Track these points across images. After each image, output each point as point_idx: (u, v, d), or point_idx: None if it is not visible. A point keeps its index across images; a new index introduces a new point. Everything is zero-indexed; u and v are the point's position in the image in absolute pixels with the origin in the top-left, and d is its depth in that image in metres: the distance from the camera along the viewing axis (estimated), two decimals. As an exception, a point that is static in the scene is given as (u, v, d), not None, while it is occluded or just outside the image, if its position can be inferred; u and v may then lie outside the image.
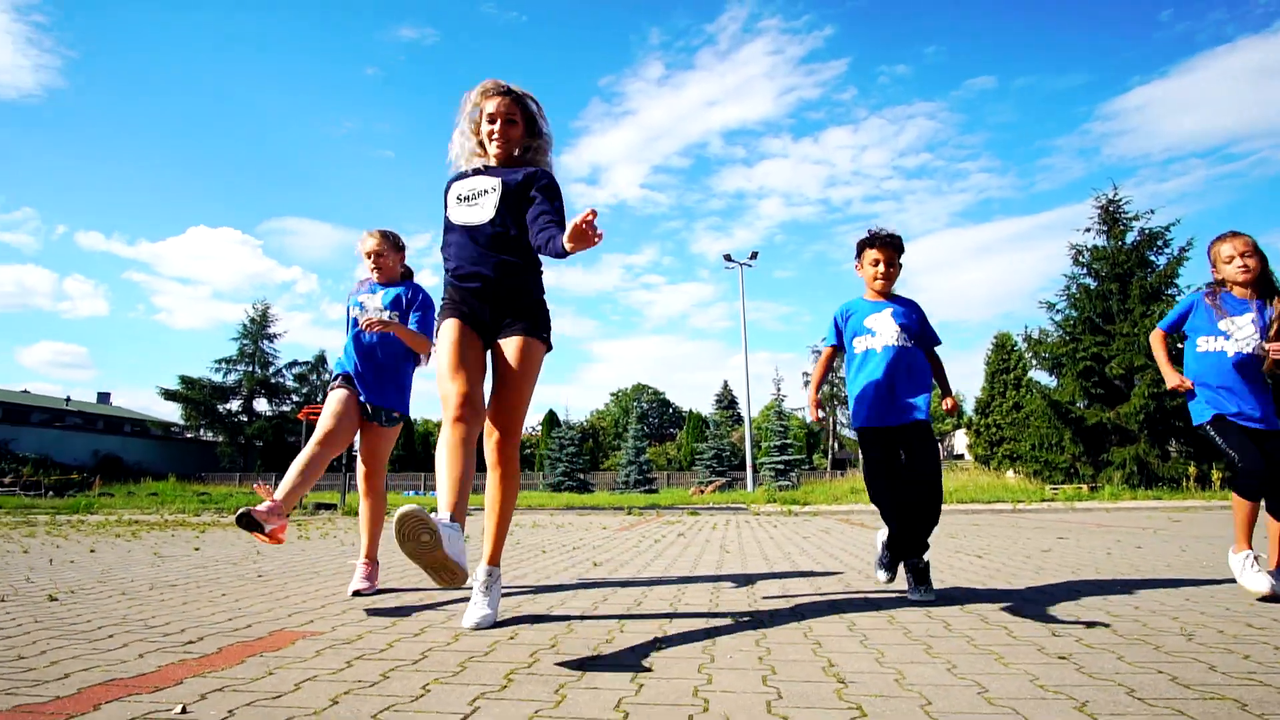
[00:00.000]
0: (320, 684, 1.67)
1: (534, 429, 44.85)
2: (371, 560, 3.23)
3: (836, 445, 43.37)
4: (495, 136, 2.48)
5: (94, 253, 78.72)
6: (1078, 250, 20.53)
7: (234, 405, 41.42)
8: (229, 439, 40.73)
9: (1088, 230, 20.65)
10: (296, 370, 42.62)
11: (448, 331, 2.35)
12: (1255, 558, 2.76)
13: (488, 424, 2.36)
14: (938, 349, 3.08)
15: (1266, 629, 2.22)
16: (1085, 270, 20.57)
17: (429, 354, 3.33)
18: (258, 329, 41.74)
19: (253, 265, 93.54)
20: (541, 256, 2.47)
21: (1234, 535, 2.82)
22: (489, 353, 2.46)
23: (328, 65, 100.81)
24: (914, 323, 2.97)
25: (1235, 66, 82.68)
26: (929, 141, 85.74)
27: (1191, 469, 16.69)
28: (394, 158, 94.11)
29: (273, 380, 41.89)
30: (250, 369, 41.27)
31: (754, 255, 24.53)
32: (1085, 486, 17.36)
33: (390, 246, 3.42)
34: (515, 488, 2.43)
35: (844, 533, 7.06)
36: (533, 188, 2.41)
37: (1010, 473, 23.89)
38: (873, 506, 10.93)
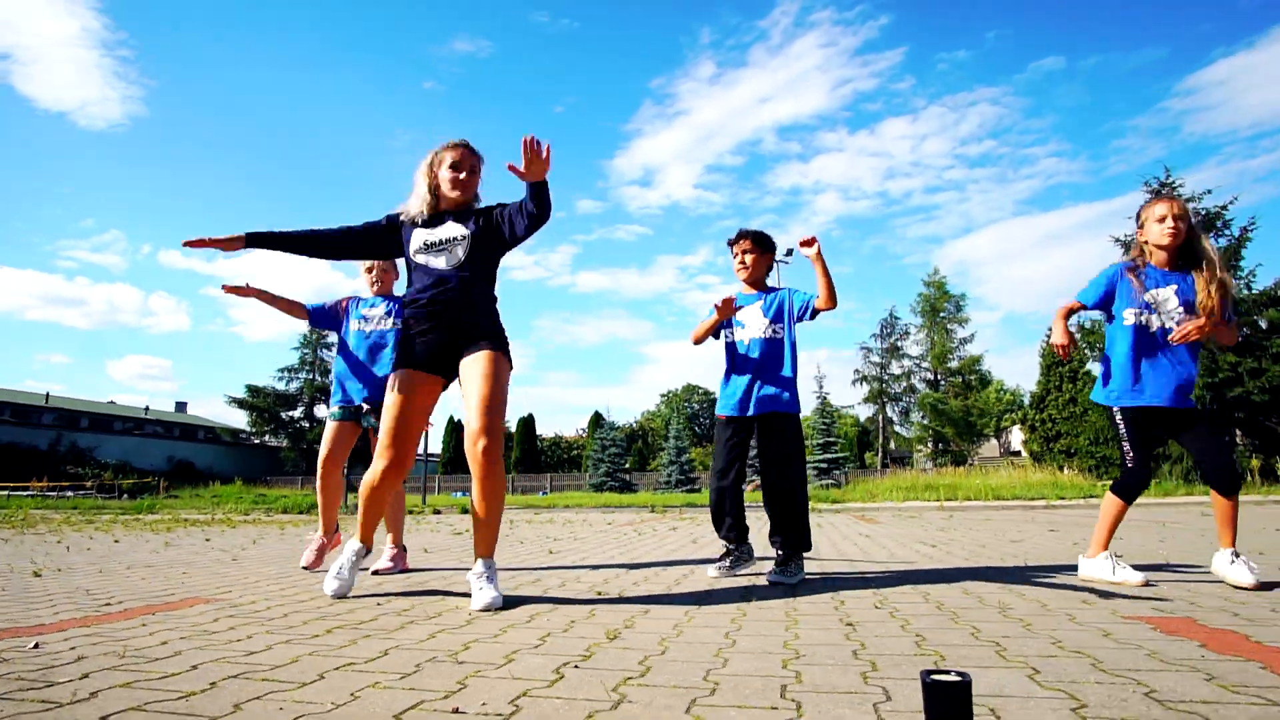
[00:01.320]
0: (174, 635, 1.88)
1: (581, 430, 45.36)
2: (397, 545, 3.52)
3: (892, 444, 42.34)
4: (460, 183, 2.67)
5: (175, 270, 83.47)
6: (1127, 240, 19.60)
7: (296, 412, 43.29)
8: (292, 444, 42.58)
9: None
10: (354, 377, 44.26)
11: (397, 383, 2.58)
12: (1118, 555, 2.72)
13: (468, 430, 2.46)
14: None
15: (1089, 608, 2.22)
16: (1138, 257, 19.62)
17: None
18: (317, 337, 43.52)
19: (322, 277, 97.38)
20: (534, 213, 2.55)
21: (1094, 539, 2.76)
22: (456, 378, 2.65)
23: (387, 82, 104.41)
24: (781, 309, 3.06)
25: (1329, 31, 76.82)
26: (993, 128, 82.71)
27: (1255, 462, 15.73)
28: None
29: (331, 387, 43.63)
30: (310, 376, 43.04)
31: (789, 252, 24.22)
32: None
33: (391, 263, 3.75)
34: (499, 489, 2.47)
35: (834, 527, 7.02)
36: (494, 216, 2.66)
37: (1066, 470, 22.95)
38: (881, 504, 10.73)
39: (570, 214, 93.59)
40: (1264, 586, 2.46)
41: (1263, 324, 17.41)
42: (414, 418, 2.57)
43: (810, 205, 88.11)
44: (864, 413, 45.74)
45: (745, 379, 3.01)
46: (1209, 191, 18.82)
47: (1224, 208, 18.59)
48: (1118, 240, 19.74)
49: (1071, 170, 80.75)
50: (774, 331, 3.02)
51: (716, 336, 3.18)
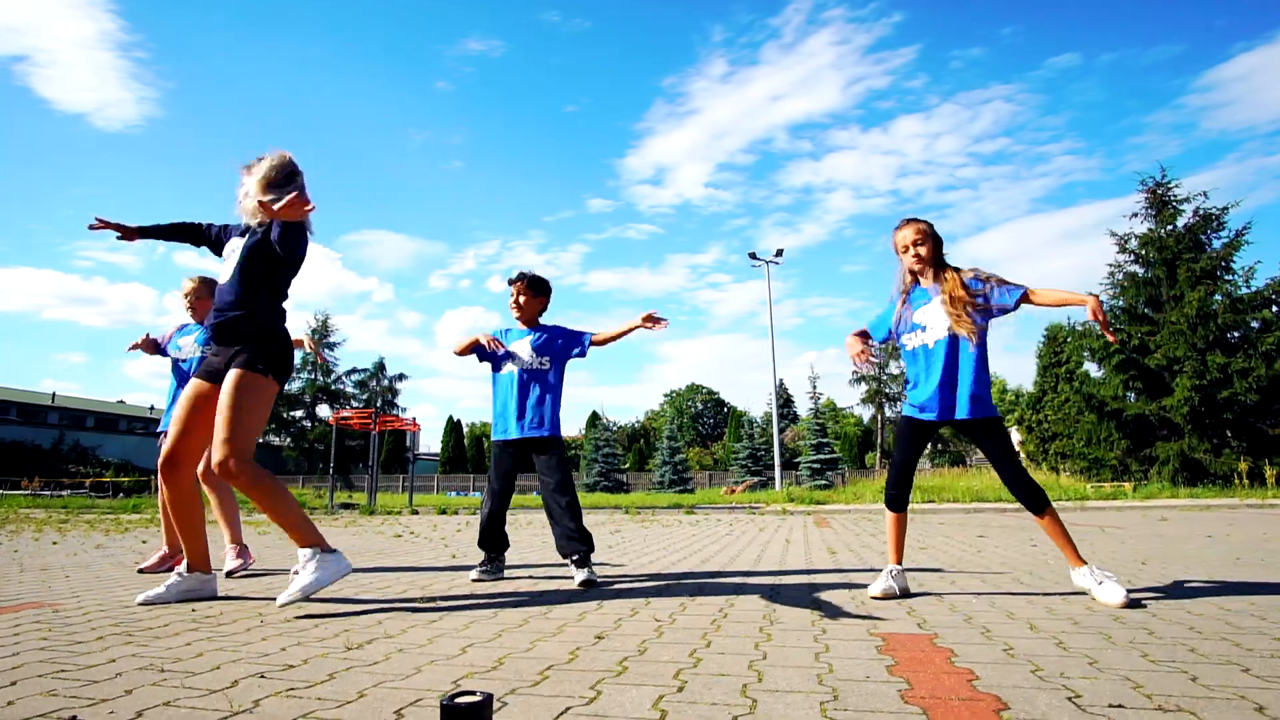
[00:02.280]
0: (-56, 646, 1.87)
1: (579, 430, 45.38)
2: (238, 544, 3.64)
3: (891, 442, 42.04)
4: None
5: (189, 270, 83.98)
6: (1123, 238, 19.39)
7: (298, 412, 43.59)
8: (294, 443, 42.90)
9: (1135, 216, 19.51)
10: (356, 377, 44.52)
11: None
12: (901, 571, 2.63)
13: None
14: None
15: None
16: (1132, 258, 19.42)
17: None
18: (319, 337, 43.80)
19: (333, 277, 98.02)
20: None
21: (888, 549, 2.69)
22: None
23: (399, 82, 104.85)
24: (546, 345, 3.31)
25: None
26: (1007, 125, 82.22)
27: (1243, 464, 15.51)
28: (463, 168, 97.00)
29: (333, 386, 43.87)
30: (313, 376, 43.34)
31: (779, 253, 24.17)
32: (1126, 485, 16.37)
33: (206, 291, 3.85)
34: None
35: (770, 528, 6.97)
36: (269, 241, 2.64)
37: (1062, 472, 22.75)
38: (852, 506, 10.64)
39: (581, 213, 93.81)
40: (1133, 604, 2.37)
41: (1255, 324, 17.18)
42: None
43: (822, 204, 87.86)
44: (865, 413, 45.56)
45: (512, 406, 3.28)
46: (1204, 194, 18.58)
47: (1224, 210, 18.34)
48: (1114, 234, 19.56)
49: (1087, 168, 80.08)
50: (539, 364, 3.27)
51: (482, 359, 3.39)
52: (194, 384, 2.67)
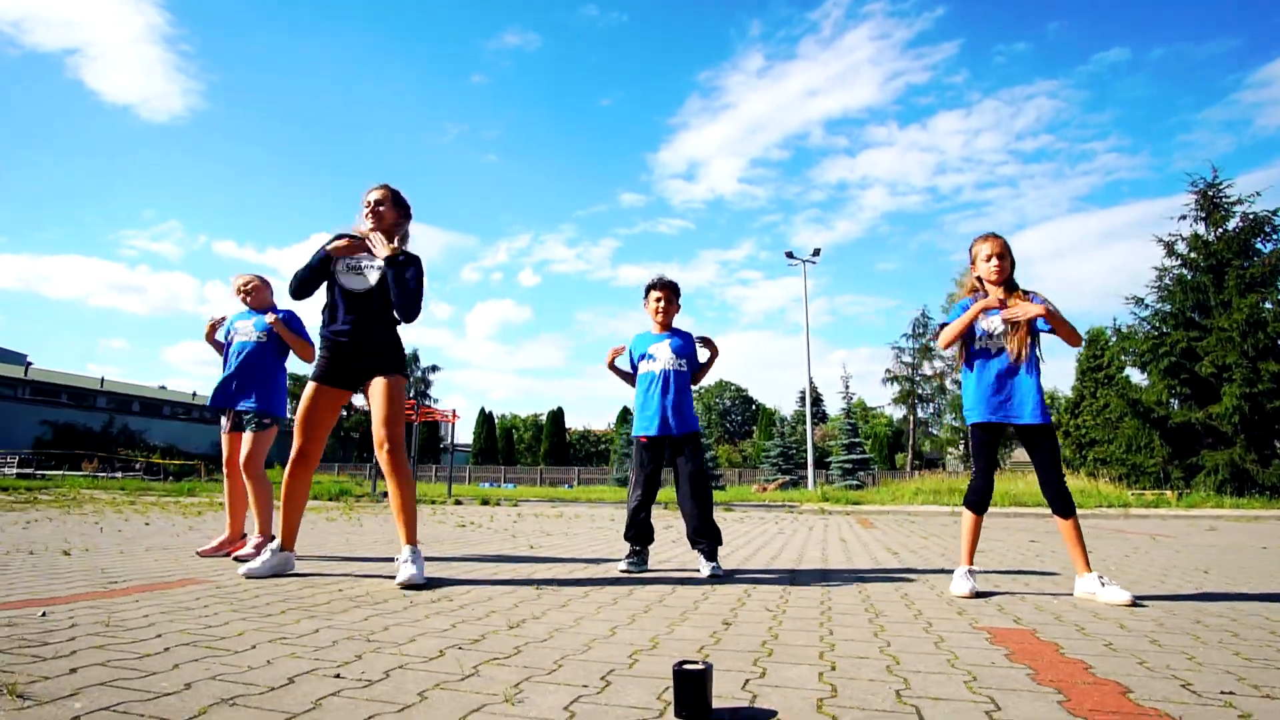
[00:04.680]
0: (154, 612, 2.16)
1: (610, 424, 45.69)
2: (266, 535, 3.76)
3: (926, 444, 41.73)
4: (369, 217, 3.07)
5: (229, 259, 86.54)
6: (1170, 241, 19.08)
7: (334, 400, 44.50)
8: (333, 431, 43.91)
9: (1183, 218, 19.18)
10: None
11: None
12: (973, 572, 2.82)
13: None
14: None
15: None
16: (1179, 261, 19.10)
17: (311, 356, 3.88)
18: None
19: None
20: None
21: (962, 550, 2.86)
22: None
23: (436, 76, 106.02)
24: (683, 350, 3.55)
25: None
26: (1050, 122, 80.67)
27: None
28: (497, 161, 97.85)
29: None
30: (348, 366, 44.22)
31: (816, 252, 24.18)
32: (1169, 493, 16.19)
33: (263, 283, 4.16)
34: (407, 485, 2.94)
35: (818, 527, 7.14)
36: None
37: (1099, 478, 22.47)
38: (889, 507, 10.80)
39: (613, 207, 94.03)
40: (1137, 603, 2.59)
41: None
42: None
43: (857, 200, 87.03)
44: (896, 413, 45.21)
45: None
46: (1259, 194, 18.21)
47: (1274, 212, 17.96)
48: (1159, 239, 19.26)
49: (1133, 165, 78.27)
50: (677, 365, 3.51)
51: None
52: (322, 390, 2.98)
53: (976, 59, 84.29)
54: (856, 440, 28.12)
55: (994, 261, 2.89)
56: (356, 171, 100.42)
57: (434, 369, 45.83)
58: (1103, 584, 2.66)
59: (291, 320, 3.99)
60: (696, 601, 2.58)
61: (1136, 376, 20.56)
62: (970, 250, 3.00)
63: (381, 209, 3.03)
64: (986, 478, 2.87)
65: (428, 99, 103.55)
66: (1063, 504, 2.73)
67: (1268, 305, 17.02)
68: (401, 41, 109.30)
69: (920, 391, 38.65)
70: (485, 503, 13.81)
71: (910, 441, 39.59)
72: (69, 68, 76.77)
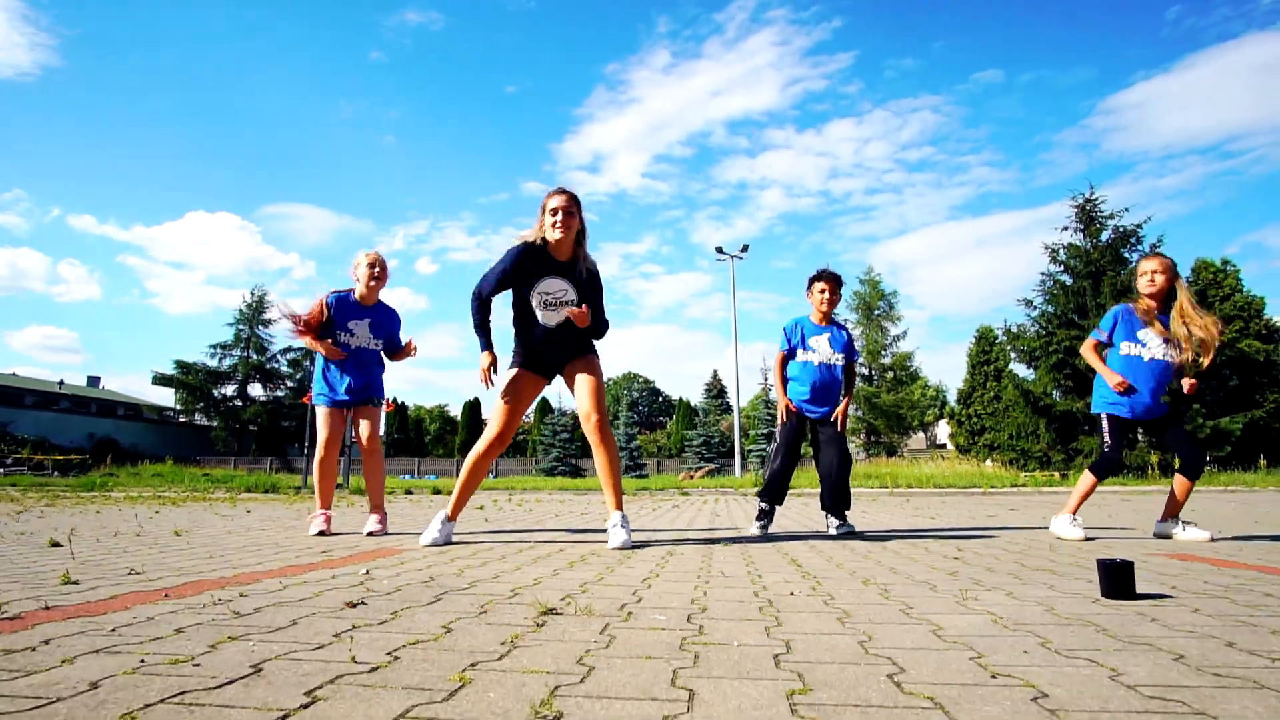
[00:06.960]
0: (402, 572, 2.41)
1: (528, 417, 45.48)
2: (380, 510, 4.01)
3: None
4: (558, 226, 3.23)
5: (87, 236, 78.60)
6: (1054, 249, 21.44)
7: (229, 390, 41.75)
8: (224, 423, 41.07)
9: (1065, 229, 21.56)
10: (291, 355, 42.98)
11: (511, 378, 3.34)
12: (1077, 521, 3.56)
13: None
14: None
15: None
16: (1062, 268, 21.49)
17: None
18: (254, 314, 42.04)
19: (250, 251, 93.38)
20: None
21: (1071, 502, 3.57)
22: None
23: (331, 50, 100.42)
24: (843, 346, 3.97)
25: (1238, 63, 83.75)
26: (932, 135, 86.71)
27: (1154, 457, 17.63)
28: (395, 143, 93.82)
29: (268, 365, 42.24)
30: (246, 354, 41.56)
31: (745, 248, 25.24)
32: (1056, 474, 18.30)
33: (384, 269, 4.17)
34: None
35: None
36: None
37: (988, 462, 24.90)
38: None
39: (515, 196, 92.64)
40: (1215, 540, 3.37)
41: None
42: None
43: (756, 200, 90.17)
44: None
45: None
46: (1126, 210, 20.78)
47: (1139, 226, 20.58)
48: (1047, 247, 21.58)
49: (1003, 179, 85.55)
50: (835, 360, 3.96)
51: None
52: (528, 376, 3.28)
53: (869, 71, 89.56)
54: (774, 429, 29.57)
55: (1148, 277, 3.51)
56: (240, 146, 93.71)
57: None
58: (1184, 528, 3.41)
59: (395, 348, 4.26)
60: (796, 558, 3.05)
61: (1023, 371, 22.90)
62: (1137, 265, 3.62)
63: (571, 217, 3.22)
64: (1120, 457, 3.51)
65: (321, 73, 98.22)
66: (1196, 471, 3.40)
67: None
68: (293, 11, 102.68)
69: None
70: (436, 492, 13.70)
71: (816, 431, 41.82)
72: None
